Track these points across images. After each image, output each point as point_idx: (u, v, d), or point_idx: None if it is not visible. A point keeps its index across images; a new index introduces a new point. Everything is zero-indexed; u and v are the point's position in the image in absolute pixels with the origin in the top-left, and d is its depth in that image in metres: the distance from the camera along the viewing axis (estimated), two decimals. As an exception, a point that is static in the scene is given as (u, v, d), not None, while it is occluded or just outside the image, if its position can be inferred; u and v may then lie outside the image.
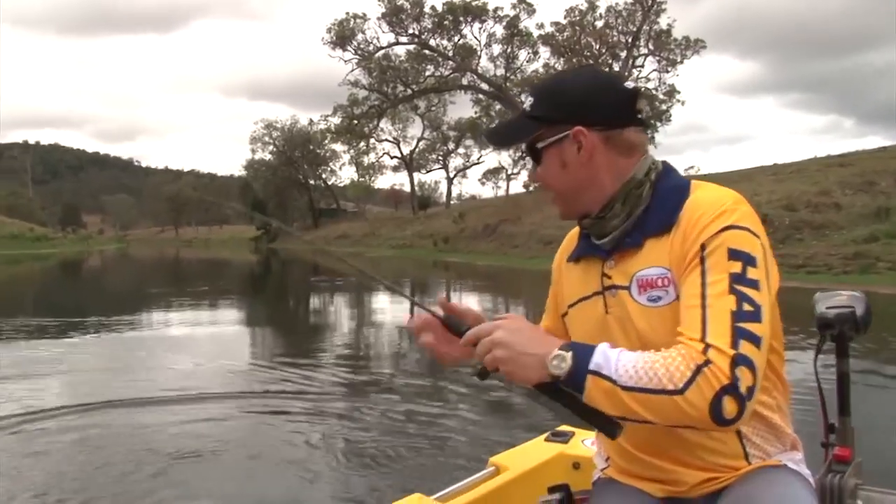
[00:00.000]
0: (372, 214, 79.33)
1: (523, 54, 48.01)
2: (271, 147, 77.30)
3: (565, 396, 1.23)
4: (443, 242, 41.49)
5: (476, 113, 52.07)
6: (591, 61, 43.86)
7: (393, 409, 6.19)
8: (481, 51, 47.15)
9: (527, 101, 1.44)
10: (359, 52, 46.56)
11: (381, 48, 46.86)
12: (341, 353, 9.80)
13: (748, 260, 1.24)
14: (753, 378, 1.14)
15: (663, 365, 1.16)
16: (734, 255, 1.24)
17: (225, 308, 16.30)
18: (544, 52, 47.17)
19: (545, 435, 2.33)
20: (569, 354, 1.21)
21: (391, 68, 47.28)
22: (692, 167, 52.83)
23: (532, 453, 2.21)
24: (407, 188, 75.37)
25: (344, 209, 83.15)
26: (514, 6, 46.49)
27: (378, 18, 45.62)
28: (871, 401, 5.88)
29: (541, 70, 46.66)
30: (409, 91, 48.44)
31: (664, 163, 1.45)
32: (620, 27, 44.00)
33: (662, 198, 1.38)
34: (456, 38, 46.54)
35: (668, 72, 44.89)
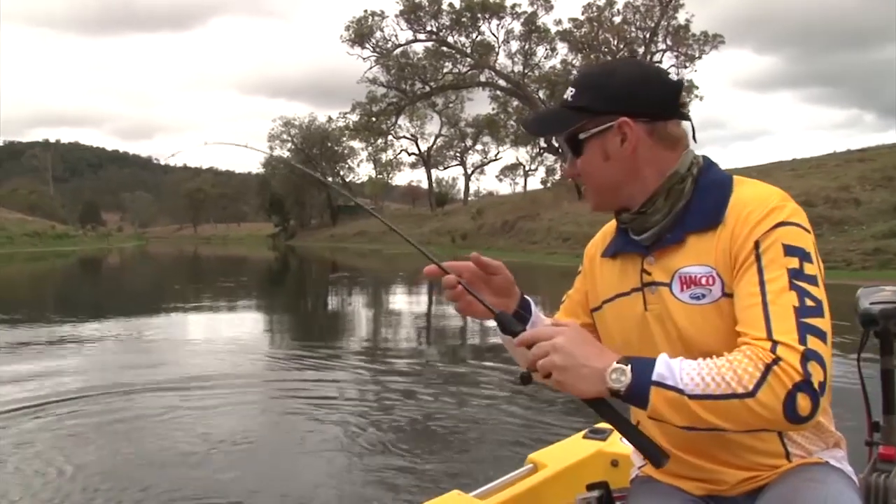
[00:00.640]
0: (389, 211, 79.62)
1: (541, 51, 48.06)
2: (289, 144, 77.77)
3: (614, 414, 1.23)
4: (461, 239, 41.64)
5: (494, 109, 52.17)
6: (608, 57, 43.83)
7: (453, 397, 6.35)
8: (499, 47, 47.27)
9: (567, 91, 1.41)
10: (377, 49, 46.79)
11: (400, 45, 47.09)
12: (385, 345, 10.03)
13: (804, 256, 1.22)
14: (824, 373, 1.12)
15: (730, 368, 1.13)
16: (790, 251, 1.22)
17: (260, 301, 16.61)
18: (562, 48, 47.19)
19: (583, 432, 2.32)
20: (628, 368, 1.18)
21: (409, 65, 47.47)
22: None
23: (570, 451, 2.21)
24: (424, 185, 75.60)
25: (362, 206, 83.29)
26: (531, 3, 46.50)
27: (396, 16, 45.87)
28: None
29: (558, 66, 46.72)
30: (428, 88, 48.59)
31: (705, 157, 1.42)
32: (638, 23, 43.93)
33: (704, 193, 1.35)
34: (474, 35, 46.67)
35: (686, 67, 44.76)
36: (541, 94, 46.55)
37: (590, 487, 1.63)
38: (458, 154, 69.66)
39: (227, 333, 10.77)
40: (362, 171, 77.97)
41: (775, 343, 1.14)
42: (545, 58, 48.16)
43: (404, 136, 64.30)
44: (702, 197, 1.35)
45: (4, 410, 5.88)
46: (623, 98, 1.34)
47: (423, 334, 11.48)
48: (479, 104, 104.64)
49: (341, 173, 79.79)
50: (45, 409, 6.00)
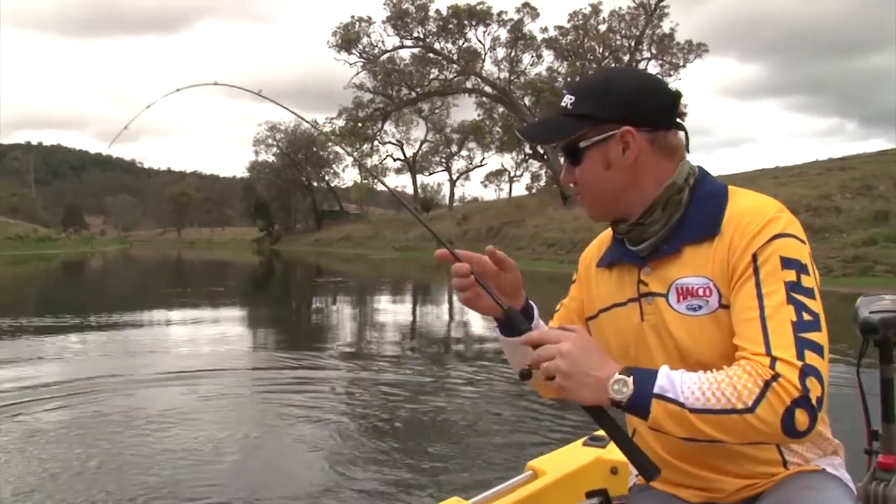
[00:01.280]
0: (374, 216, 79.60)
1: (527, 58, 48.32)
2: (275, 149, 77.65)
3: (610, 424, 1.23)
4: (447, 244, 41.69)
5: (479, 116, 52.35)
6: (594, 65, 44.12)
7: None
8: (485, 54, 47.47)
9: (564, 98, 1.39)
10: (364, 55, 46.89)
11: (386, 51, 47.20)
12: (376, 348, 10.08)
13: (800, 268, 1.22)
14: (822, 388, 1.13)
15: (730, 384, 1.14)
16: (787, 263, 1.22)
17: (247, 305, 16.62)
18: (548, 55, 47.49)
19: (583, 439, 2.32)
20: (630, 379, 1.19)
21: (396, 71, 47.58)
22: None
23: (569, 458, 2.21)
24: (409, 190, 75.61)
25: (347, 211, 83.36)
26: (518, 10, 46.81)
27: (383, 22, 45.96)
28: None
29: (544, 73, 46.97)
30: (414, 94, 48.72)
31: (700, 168, 1.41)
32: (623, 31, 44.27)
33: (700, 204, 1.34)
34: (460, 42, 46.84)
35: (670, 76, 45.11)
36: (526, 100, 46.78)
37: (589, 495, 1.63)
38: (443, 160, 69.95)
39: (212, 334, 10.83)
40: (348, 176, 77.69)
41: (774, 359, 1.14)
42: (531, 65, 48.49)
43: (390, 142, 64.44)
44: (698, 208, 1.35)
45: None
46: (625, 106, 1.33)
47: (417, 337, 11.53)
48: (464, 110, 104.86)
49: (326, 178, 79.77)
50: (27, 407, 6.07)
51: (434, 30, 46.08)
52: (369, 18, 46.24)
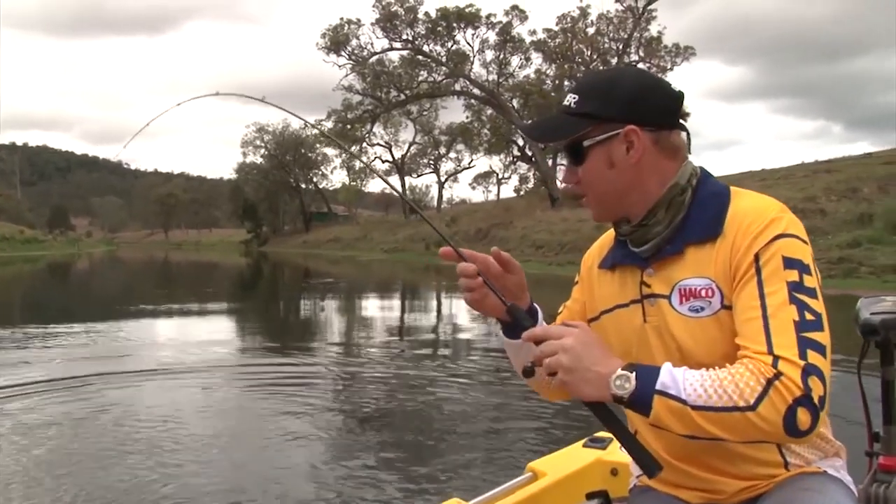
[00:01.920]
0: (362, 218, 79.57)
1: (515, 60, 48.34)
2: (263, 150, 77.49)
3: (613, 420, 1.24)
4: (435, 246, 41.72)
5: (468, 118, 52.39)
6: (582, 68, 44.27)
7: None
8: (474, 56, 47.48)
9: (568, 97, 1.39)
10: (353, 57, 46.83)
11: (375, 53, 47.18)
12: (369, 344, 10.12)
13: (803, 268, 1.22)
14: (824, 387, 1.13)
15: (732, 381, 1.14)
16: (789, 263, 1.22)
17: (242, 307, 16.61)
18: (536, 58, 47.56)
19: (583, 441, 2.31)
20: (633, 375, 1.19)
21: (385, 73, 47.57)
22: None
23: (569, 459, 2.20)
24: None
25: (335, 213, 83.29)
26: (506, 13, 46.84)
27: (372, 24, 45.87)
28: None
29: (532, 76, 47.09)
30: (403, 96, 48.71)
31: (702, 168, 1.41)
32: (611, 34, 44.41)
33: (703, 204, 1.34)
34: (449, 44, 46.81)
35: (658, 79, 45.31)
36: (515, 102, 46.88)
37: (589, 496, 1.62)
38: (431, 162, 69.91)
39: (200, 334, 10.83)
40: (336, 177, 77.76)
41: (776, 358, 1.14)
42: (519, 67, 48.53)
43: (378, 144, 64.41)
44: (701, 208, 1.34)
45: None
46: (629, 106, 1.33)
47: (412, 337, 11.54)
48: (452, 112, 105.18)
49: (315, 180, 79.67)
50: (6, 402, 6.14)
51: (423, 32, 46.08)
52: (358, 21, 46.21)
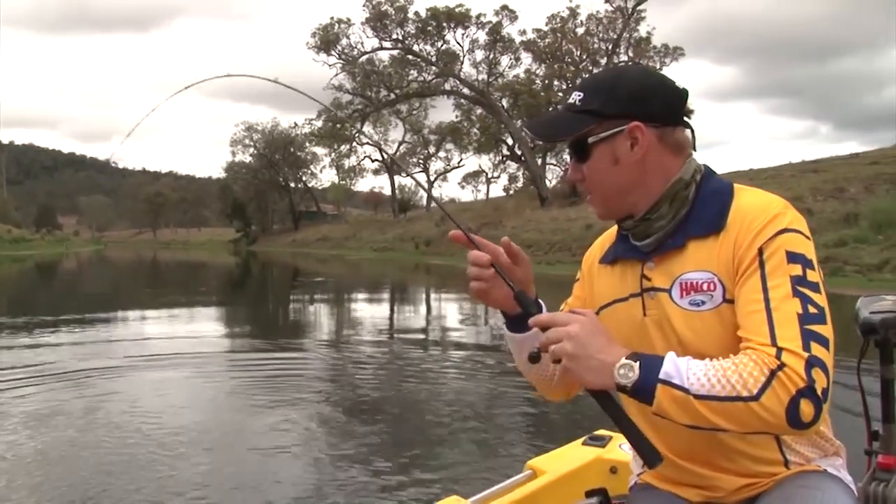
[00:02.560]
0: (352, 217, 79.49)
1: (505, 60, 48.52)
2: (252, 149, 77.29)
3: (615, 409, 1.24)
4: (424, 245, 41.80)
5: (457, 117, 52.50)
6: (572, 68, 44.44)
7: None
8: (464, 56, 47.62)
9: (573, 95, 1.40)
10: (343, 56, 46.84)
11: (365, 53, 47.19)
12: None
13: (806, 263, 1.23)
14: (827, 380, 1.13)
15: (736, 371, 1.14)
16: (793, 258, 1.23)
17: (239, 306, 16.61)
18: (526, 58, 47.76)
19: (583, 439, 2.31)
20: (636, 364, 1.19)
21: (375, 73, 47.59)
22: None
23: (569, 457, 2.20)
24: (386, 191, 75.65)
25: (324, 212, 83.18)
26: (496, 13, 46.99)
27: (362, 23, 45.93)
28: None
29: (522, 76, 47.25)
30: (393, 95, 48.74)
31: (706, 166, 1.42)
32: (601, 34, 44.62)
33: (706, 199, 1.35)
34: (439, 44, 46.92)
35: (647, 79, 45.44)
36: (504, 102, 47.01)
37: (588, 494, 1.62)
38: (421, 161, 69.88)
39: (189, 332, 10.82)
40: (325, 176, 77.81)
41: (780, 349, 1.14)
42: (509, 67, 48.71)
43: (368, 143, 64.40)
44: (704, 204, 1.35)
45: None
46: (634, 102, 1.34)
47: (407, 336, 11.54)
48: (442, 111, 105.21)
49: (304, 179, 79.55)
50: None
51: (413, 32, 46.15)
52: (348, 20, 46.25)
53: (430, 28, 46.00)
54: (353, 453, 4.84)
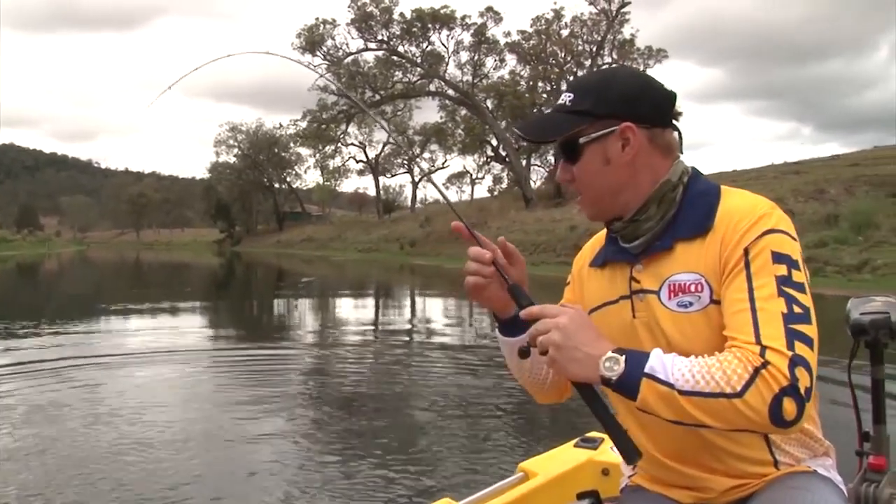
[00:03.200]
0: (336, 217, 79.32)
1: (490, 61, 48.65)
2: (236, 150, 76.99)
3: (598, 403, 1.23)
4: (409, 246, 41.83)
5: (442, 118, 52.57)
6: (556, 69, 44.61)
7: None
8: (449, 57, 47.67)
9: (563, 96, 1.40)
10: (328, 57, 46.76)
11: (351, 54, 47.14)
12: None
13: (791, 263, 1.23)
14: (810, 379, 1.14)
15: (720, 368, 1.15)
16: (778, 258, 1.23)
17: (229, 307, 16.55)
18: (511, 59, 47.89)
19: (574, 441, 2.31)
20: (622, 358, 1.20)
21: (360, 74, 47.55)
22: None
23: (561, 459, 2.20)
24: (371, 192, 75.56)
25: (309, 213, 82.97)
26: (481, 14, 47.11)
27: (347, 24, 45.88)
28: None
29: (507, 77, 47.38)
30: (378, 96, 48.71)
31: (693, 168, 1.42)
32: (585, 36, 44.80)
33: (693, 201, 1.36)
34: (424, 45, 46.97)
35: (630, 81, 45.60)
36: (489, 103, 47.12)
37: (580, 496, 1.62)
38: (405, 162, 69.87)
39: (176, 331, 10.77)
40: (310, 177, 77.62)
41: (764, 348, 1.15)
42: (494, 68, 48.82)
43: (352, 144, 64.30)
44: (691, 205, 1.36)
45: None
46: (625, 103, 1.34)
47: (402, 335, 11.56)
48: (426, 112, 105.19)
49: (288, 179, 79.34)
50: None
51: (398, 33, 46.14)
52: (333, 21, 46.16)
53: (415, 29, 46.01)
54: (340, 453, 4.82)
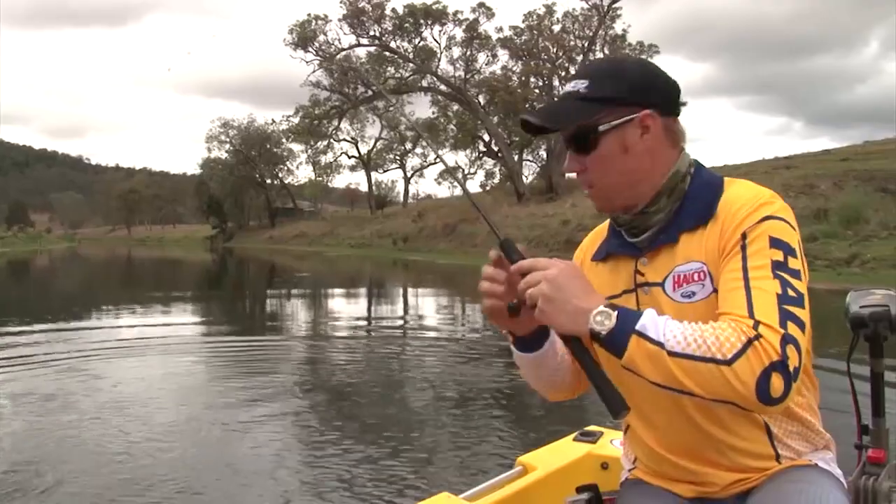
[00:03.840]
0: (329, 213, 79.16)
1: (482, 57, 48.66)
2: (227, 146, 76.72)
3: (587, 357, 1.21)
4: (402, 242, 41.89)
5: (434, 113, 52.56)
6: (548, 65, 44.67)
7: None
8: (441, 53, 47.70)
9: (574, 83, 1.35)
10: (320, 53, 46.70)
11: (343, 50, 47.08)
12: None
13: (788, 250, 1.23)
14: (799, 359, 1.13)
15: (713, 334, 1.13)
16: (775, 243, 1.23)
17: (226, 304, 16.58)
18: (503, 55, 47.95)
19: (573, 434, 2.32)
20: (614, 313, 1.18)
21: (352, 69, 47.51)
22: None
23: (560, 453, 2.21)
24: (363, 187, 75.49)
25: (301, 209, 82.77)
26: (473, 10, 47.13)
27: (339, 20, 45.83)
28: None
29: (499, 72, 47.42)
30: (370, 92, 48.68)
31: (696, 160, 1.41)
32: (577, 32, 44.87)
33: (697, 193, 1.35)
34: (416, 41, 46.98)
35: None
36: (481, 99, 47.15)
37: (579, 490, 1.61)
38: (397, 157, 69.82)
39: (171, 328, 10.84)
40: (302, 173, 77.55)
41: (757, 322, 1.14)
42: (486, 64, 48.84)
43: (345, 139, 64.22)
44: (695, 196, 1.35)
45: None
46: (641, 91, 1.32)
47: (399, 332, 11.54)
48: (418, 107, 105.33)
49: (280, 175, 79.10)
50: None
51: (390, 28, 46.11)
52: (325, 17, 46.09)
53: (407, 25, 46.00)
54: (337, 447, 4.83)
